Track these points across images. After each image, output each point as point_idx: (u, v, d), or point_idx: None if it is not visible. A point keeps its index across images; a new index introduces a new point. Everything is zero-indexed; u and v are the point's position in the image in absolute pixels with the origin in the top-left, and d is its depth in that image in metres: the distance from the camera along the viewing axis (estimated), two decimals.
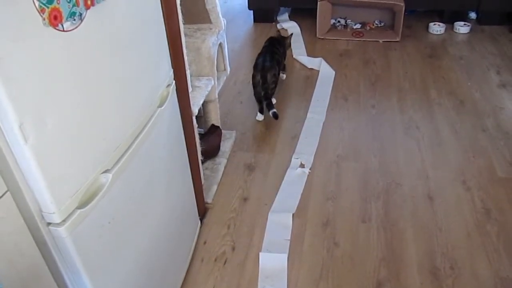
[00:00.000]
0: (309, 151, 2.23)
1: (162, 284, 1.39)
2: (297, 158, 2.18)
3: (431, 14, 3.78)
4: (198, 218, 1.76)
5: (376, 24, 3.68)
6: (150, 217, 1.27)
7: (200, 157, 1.91)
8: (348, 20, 3.71)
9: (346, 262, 1.66)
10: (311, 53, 3.26)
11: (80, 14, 0.85)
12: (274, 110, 2.40)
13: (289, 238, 1.75)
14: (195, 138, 1.70)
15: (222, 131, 2.34)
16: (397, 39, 3.40)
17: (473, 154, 2.18)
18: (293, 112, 2.58)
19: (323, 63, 3.05)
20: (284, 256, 1.66)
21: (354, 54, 3.26)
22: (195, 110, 1.64)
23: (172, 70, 1.37)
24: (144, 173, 1.21)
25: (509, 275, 1.58)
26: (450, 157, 2.18)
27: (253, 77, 2.43)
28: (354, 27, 3.67)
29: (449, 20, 3.62)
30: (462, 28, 3.54)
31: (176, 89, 1.43)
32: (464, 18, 3.66)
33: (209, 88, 1.80)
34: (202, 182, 1.95)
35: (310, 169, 2.11)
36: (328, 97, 2.71)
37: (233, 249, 1.72)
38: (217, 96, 2.07)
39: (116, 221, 1.06)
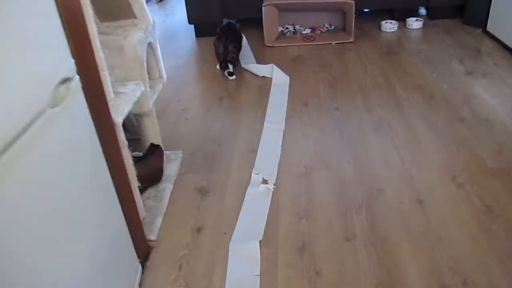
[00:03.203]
0: (271, 164, 1.88)
1: None
2: (258, 173, 1.82)
3: (381, 14, 3.61)
4: (137, 261, 1.35)
5: (327, 27, 3.46)
6: (57, 266, 0.87)
7: (136, 183, 1.51)
8: (296, 26, 3.47)
9: None
10: (261, 62, 2.96)
11: None
12: (230, 70, 2.73)
13: (258, 273, 1.37)
14: (123, 157, 1.31)
15: (166, 152, 1.95)
16: (351, 40, 3.18)
17: (456, 147, 1.91)
18: (248, 125, 2.24)
19: (276, 69, 2.76)
20: None
21: (307, 59, 2.99)
22: (118, 119, 1.26)
23: (73, 61, 0.99)
24: (40, 199, 0.81)
25: None
26: (432, 152, 1.89)
27: (216, 47, 2.88)
28: (304, 32, 3.42)
29: (400, 18, 3.46)
30: (415, 23, 3.38)
31: (86, 90, 1.05)
32: (415, 14, 3.51)
33: (138, 94, 1.43)
34: (142, 216, 1.55)
35: (274, 184, 1.76)
36: (286, 104, 2.40)
37: None
38: (152, 108, 1.69)
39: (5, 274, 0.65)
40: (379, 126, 2.12)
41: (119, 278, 1.19)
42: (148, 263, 1.44)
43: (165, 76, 1.82)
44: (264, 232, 1.53)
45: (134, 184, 1.49)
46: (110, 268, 1.13)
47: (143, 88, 1.47)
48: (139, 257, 1.36)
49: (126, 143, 1.42)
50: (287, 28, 3.47)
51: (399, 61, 2.84)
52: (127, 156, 1.42)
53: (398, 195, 1.66)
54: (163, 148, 1.83)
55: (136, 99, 1.40)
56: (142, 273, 1.39)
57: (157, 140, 1.80)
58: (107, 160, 1.17)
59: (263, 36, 3.25)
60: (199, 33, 3.60)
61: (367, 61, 2.87)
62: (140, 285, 1.35)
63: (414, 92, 2.42)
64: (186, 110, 2.44)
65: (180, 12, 4.10)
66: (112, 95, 1.32)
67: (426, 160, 1.85)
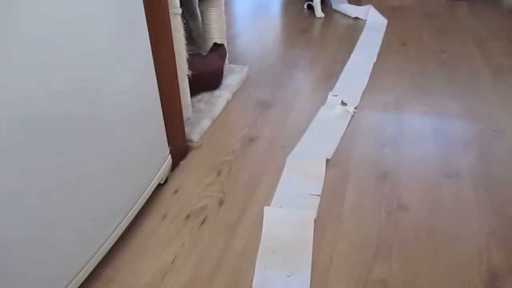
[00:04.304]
0: (353, 90, 1.51)
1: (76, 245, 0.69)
2: (336, 95, 1.46)
3: None
4: (167, 152, 1.06)
5: None
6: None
7: (186, 70, 1.23)
8: None
9: (423, 235, 0.91)
10: None
11: None
12: (310, 2, 2.48)
13: (319, 192, 1.02)
14: (170, 25, 1.03)
15: (231, 65, 1.67)
16: None
17: None
18: (330, 54, 1.87)
19: (373, 10, 2.35)
20: (309, 216, 0.93)
21: (411, 9, 2.55)
22: None
23: None
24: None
25: None
26: None
27: None
28: None
29: None
30: None
31: None
32: None
33: None
34: (188, 115, 1.27)
35: (355, 108, 1.39)
36: (380, 41, 2.00)
37: (221, 203, 1.00)
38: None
39: None
40: (498, 73, 1.65)
41: (142, 161, 0.91)
42: (182, 162, 1.15)
43: None
44: (335, 153, 1.18)
45: (182, 67, 1.20)
46: (130, 150, 0.85)
47: None
48: (174, 154, 1.07)
49: (180, 11, 1.14)
50: None
51: None
52: (178, 29, 1.14)
53: None
54: (227, 50, 1.53)
55: None
56: (172, 170, 1.10)
57: (221, 40, 1.51)
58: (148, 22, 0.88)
59: None
60: None
61: (484, 17, 2.37)
62: (166, 182, 1.06)
63: None
64: (269, 37, 2.13)
65: None
66: None
67: None
